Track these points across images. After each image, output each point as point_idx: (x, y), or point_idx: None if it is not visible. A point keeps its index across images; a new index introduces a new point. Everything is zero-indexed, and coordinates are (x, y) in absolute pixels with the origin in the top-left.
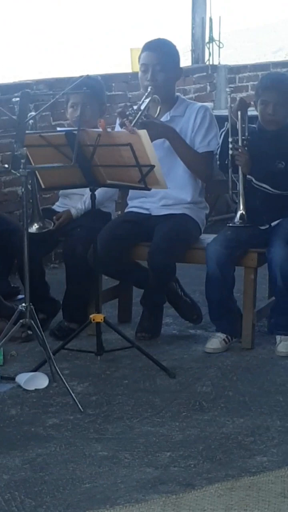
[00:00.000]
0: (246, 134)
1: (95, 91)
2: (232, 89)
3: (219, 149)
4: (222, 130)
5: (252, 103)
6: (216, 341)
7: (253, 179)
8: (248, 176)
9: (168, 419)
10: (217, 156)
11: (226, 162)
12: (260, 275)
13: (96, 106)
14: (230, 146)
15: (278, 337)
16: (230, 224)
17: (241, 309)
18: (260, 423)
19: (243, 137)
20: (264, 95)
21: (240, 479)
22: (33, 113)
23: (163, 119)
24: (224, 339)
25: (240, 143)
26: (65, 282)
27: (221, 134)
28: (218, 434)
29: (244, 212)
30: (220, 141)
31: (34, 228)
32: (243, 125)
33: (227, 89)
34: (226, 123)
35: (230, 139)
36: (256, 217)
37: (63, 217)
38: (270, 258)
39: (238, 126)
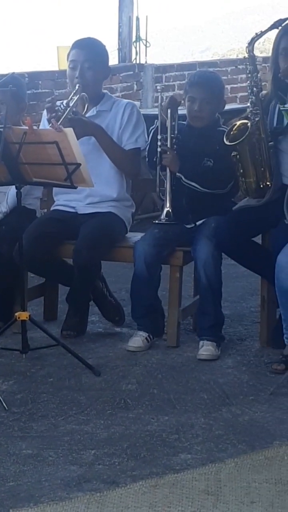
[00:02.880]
0: (176, 132)
1: (18, 90)
2: (163, 86)
3: (148, 147)
4: (151, 127)
5: (182, 101)
6: (138, 340)
7: (182, 177)
8: (178, 174)
9: (93, 417)
10: (146, 153)
11: (155, 159)
12: (186, 273)
13: (15, 105)
14: (159, 143)
15: (201, 342)
16: (156, 221)
17: (167, 307)
18: (185, 420)
19: (172, 135)
20: (191, 92)
21: (164, 477)
22: None
23: (89, 114)
24: (146, 338)
25: (169, 141)
26: None
27: (150, 132)
28: (143, 432)
29: (170, 210)
30: (149, 139)
31: None
32: (173, 123)
33: (157, 86)
34: (155, 120)
35: (159, 137)
36: (182, 215)
37: None
38: (195, 256)
39: (168, 124)
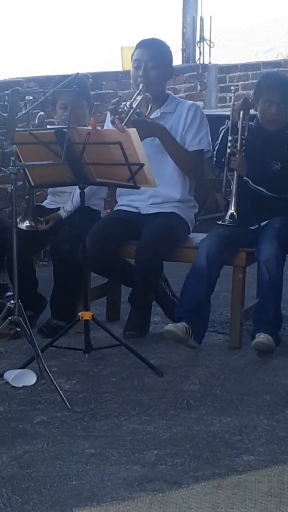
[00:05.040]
0: (245, 133)
1: (84, 90)
2: (237, 87)
3: (217, 146)
4: (221, 127)
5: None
6: (180, 325)
7: (250, 181)
8: (245, 178)
9: (155, 417)
10: (215, 153)
11: (223, 160)
12: (249, 274)
13: (86, 105)
14: (229, 144)
15: (256, 334)
16: (220, 222)
17: (229, 308)
18: (247, 422)
19: (242, 136)
20: (267, 95)
21: (227, 478)
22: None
23: (153, 115)
24: (186, 328)
25: (239, 143)
26: (53, 279)
27: (220, 132)
28: (205, 433)
29: (234, 212)
30: (219, 139)
31: (24, 225)
32: (244, 124)
33: (232, 88)
34: (227, 120)
35: (229, 138)
36: (246, 218)
37: (52, 221)
38: (258, 256)
39: (239, 125)
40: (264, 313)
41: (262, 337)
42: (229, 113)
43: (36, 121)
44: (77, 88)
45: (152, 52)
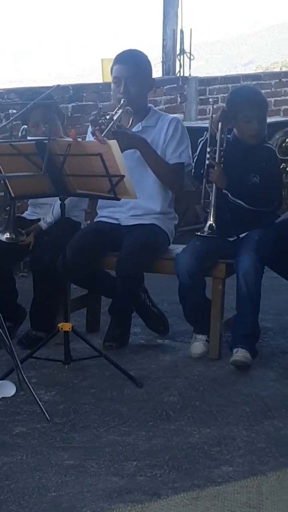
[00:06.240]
0: (224, 145)
1: (51, 104)
2: (215, 99)
3: (196, 158)
4: (200, 139)
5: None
6: (199, 345)
7: (229, 194)
8: (224, 191)
9: (134, 428)
10: (193, 164)
11: (202, 171)
12: (228, 285)
13: (57, 118)
14: (208, 156)
15: (234, 349)
16: (199, 233)
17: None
18: (226, 433)
19: (221, 148)
20: (246, 110)
21: (206, 489)
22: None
23: (135, 129)
24: (206, 340)
25: (217, 155)
26: (32, 290)
27: (199, 143)
28: (185, 444)
29: (213, 224)
30: (198, 150)
31: (4, 237)
32: (222, 136)
33: (210, 100)
34: (205, 132)
35: (208, 149)
36: (225, 229)
37: (33, 233)
38: (237, 267)
39: (217, 137)
40: (242, 325)
41: (239, 355)
42: (209, 125)
43: (20, 134)
44: (57, 100)
45: (130, 67)
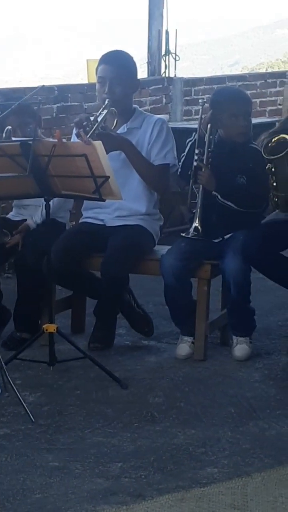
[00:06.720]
0: (212, 146)
1: (25, 108)
2: (204, 100)
3: (183, 158)
4: (188, 139)
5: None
6: (185, 346)
7: (219, 196)
8: (214, 193)
9: (119, 429)
10: (180, 164)
11: (189, 172)
12: (213, 286)
13: (32, 123)
14: (196, 157)
15: (234, 338)
16: (184, 235)
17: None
18: (211, 434)
19: (209, 149)
20: (232, 109)
21: (191, 490)
22: None
23: (120, 131)
24: (192, 342)
25: (205, 156)
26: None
27: (187, 144)
28: (170, 445)
29: (199, 225)
30: (186, 151)
31: None
32: (211, 138)
33: (200, 100)
34: (194, 133)
35: (196, 151)
36: (211, 230)
37: (22, 232)
38: (224, 269)
39: (206, 138)
40: (236, 319)
41: (240, 348)
42: (195, 126)
43: (4, 135)
44: (42, 101)
45: (115, 68)
